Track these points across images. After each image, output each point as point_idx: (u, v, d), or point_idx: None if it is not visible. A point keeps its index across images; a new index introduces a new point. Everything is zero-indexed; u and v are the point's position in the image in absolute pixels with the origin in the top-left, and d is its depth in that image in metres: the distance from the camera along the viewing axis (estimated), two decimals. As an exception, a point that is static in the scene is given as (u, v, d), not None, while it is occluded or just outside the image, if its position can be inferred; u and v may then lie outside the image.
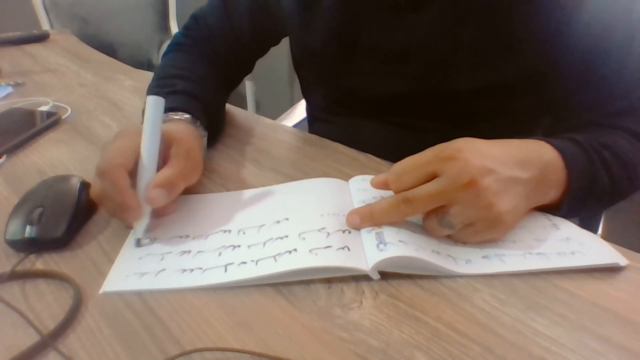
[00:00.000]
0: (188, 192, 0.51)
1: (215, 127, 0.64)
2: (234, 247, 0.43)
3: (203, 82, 0.65)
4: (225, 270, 0.40)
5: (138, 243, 0.44)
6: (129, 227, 0.46)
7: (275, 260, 0.40)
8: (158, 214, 0.47)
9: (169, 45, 0.75)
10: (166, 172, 0.45)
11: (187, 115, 0.56)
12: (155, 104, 0.45)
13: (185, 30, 0.76)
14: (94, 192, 0.45)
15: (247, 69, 0.79)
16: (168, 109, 0.55)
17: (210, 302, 0.37)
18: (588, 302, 0.37)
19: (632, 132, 0.52)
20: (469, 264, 0.40)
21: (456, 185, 0.39)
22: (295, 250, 0.40)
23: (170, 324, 0.35)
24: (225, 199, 0.51)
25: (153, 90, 0.63)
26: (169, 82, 0.63)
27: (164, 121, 0.52)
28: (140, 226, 0.44)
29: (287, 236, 0.43)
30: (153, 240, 0.44)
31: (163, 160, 0.46)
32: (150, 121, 0.45)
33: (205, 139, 0.58)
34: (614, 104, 0.54)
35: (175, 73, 0.66)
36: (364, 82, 0.65)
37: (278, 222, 0.45)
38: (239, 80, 0.78)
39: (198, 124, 0.57)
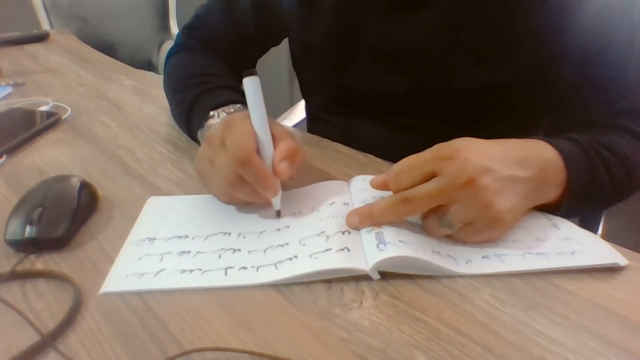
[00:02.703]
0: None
1: None
2: (234, 250, 0.43)
3: (230, 77, 0.66)
4: (226, 274, 0.40)
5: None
6: (263, 204, 0.47)
7: (276, 267, 0.40)
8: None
9: (176, 45, 0.75)
10: (285, 144, 0.46)
11: (239, 105, 0.57)
12: (254, 84, 0.46)
13: (190, 30, 0.76)
14: (228, 180, 0.44)
15: (250, 67, 0.79)
16: (225, 103, 0.56)
17: (210, 302, 0.37)
18: (588, 302, 0.37)
19: (632, 132, 0.52)
20: (469, 264, 0.40)
21: (455, 184, 0.39)
22: (295, 257, 0.40)
23: (170, 324, 0.35)
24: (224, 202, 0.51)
25: (189, 89, 0.63)
26: (205, 79, 0.63)
27: (229, 114, 0.54)
28: (277, 200, 0.46)
29: (287, 243, 0.43)
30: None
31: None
32: (255, 101, 0.46)
33: None
34: (614, 104, 0.54)
35: (203, 71, 0.66)
36: (364, 81, 0.65)
37: (278, 229, 0.45)
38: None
39: None
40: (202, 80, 0.63)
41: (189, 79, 0.65)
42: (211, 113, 0.56)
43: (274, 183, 0.44)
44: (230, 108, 0.56)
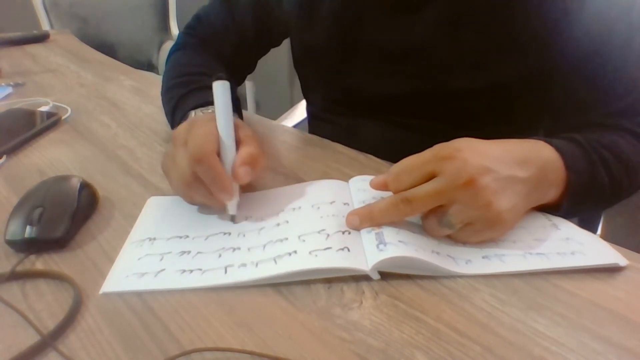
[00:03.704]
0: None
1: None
2: (234, 249, 0.43)
3: None
4: (225, 272, 0.40)
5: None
6: (219, 208, 0.47)
7: (275, 262, 0.40)
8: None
9: (175, 44, 0.76)
10: (246, 150, 0.46)
11: None
12: (223, 88, 0.46)
13: (190, 30, 0.76)
14: (184, 178, 0.45)
15: (250, 67, 0.79)
16: (205, 103, 0.57)
17: (210, 302, 0.37)
18: (588, 302, 0.37)
19: (632, 132, 0.52)
20: (469, 264, 0.40)
21: (455, 184, 0.39)
22: (295, 252, 0.40)
23: (170, 324, 0.35)
24: None
25: (177, 87, 0.63)
26: (193, 78, 0.64)
27: (205, 114, 0.54)
28: (233, 204, 0.46)
29: (286, 238, 0.43)
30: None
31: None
32: (222, 105, 0.46)
33: None
34: (614, 104, 0.54)
35: (194, 70, 0.66)
36: (364, 81, 0.65)
37: (278, 224, 0.45)
38: (243, 78, 0.79)
39: (236, 116, 0.58)
40: (189, 80, 0.63)
41: (178, 78, 0.66)
42: (190, 113, 0.57)
43: (229, 185, 0.44)
44: (209, 109, 0.56)
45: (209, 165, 0.43)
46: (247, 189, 0.53)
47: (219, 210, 0.48)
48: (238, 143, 0.47)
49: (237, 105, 0.67)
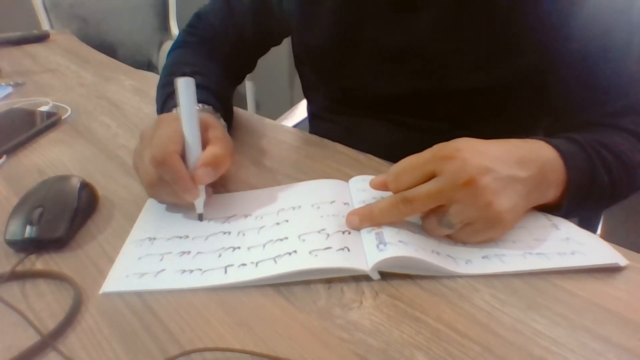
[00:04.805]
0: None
1: (229, 121, 0.65)
2: (234, 248, 0.43)
3: (215, 77, 0.66)
4: (225, 272, 0.40)
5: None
6: (186, 205, 0.47)
7: (275, 262, 0.40)
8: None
9: (175, 43, 0.76)
10: (211, 151, 0.46)
11: (208, 106, 0.57)
12: (186, 85, 0.45)
13: (190, 28, 0.77)
14: (149, 179, 0.45)
15: (250, 67, 0.79)
16: None
17: (210, 302, 0.37)
18: (588, 302, 0.37)
19: (632, 132, 0.52)
20: (469, 264, 0.40)
21: (455, 184, 0.39)
22: (295, 252, 0.40)
23: (170, 324, 0.35)
24: (224, 200, 0.51)
25: (168, 85, 0.63)
26: None
27: None
28: (199, 203, 0.46)
29: (286, 238, 0.43)
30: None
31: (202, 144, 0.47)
32: (186, 103, 0.46)
33: (226, 130, 0.59)
34: (614, 104, 0.54)
35: (189, 70, 0.66)
36: (365, 81, 0.65)
37: (278, 223, 0.45)
38: (242, 77, 0.79)
39: (219, 115, 0.59)
40: None
41: (172, 75, 0.66)
42: (173, 110, 0.57)
43: (192, 186, 0.44)
44: (199, 107, 0.56)
45: (170, 167, 0.43)
46: (247, 187, 0.53)
47: (187, 208, 0.48)
48: (206, 143, 0.47)
49: (228, 106, 0.67)
